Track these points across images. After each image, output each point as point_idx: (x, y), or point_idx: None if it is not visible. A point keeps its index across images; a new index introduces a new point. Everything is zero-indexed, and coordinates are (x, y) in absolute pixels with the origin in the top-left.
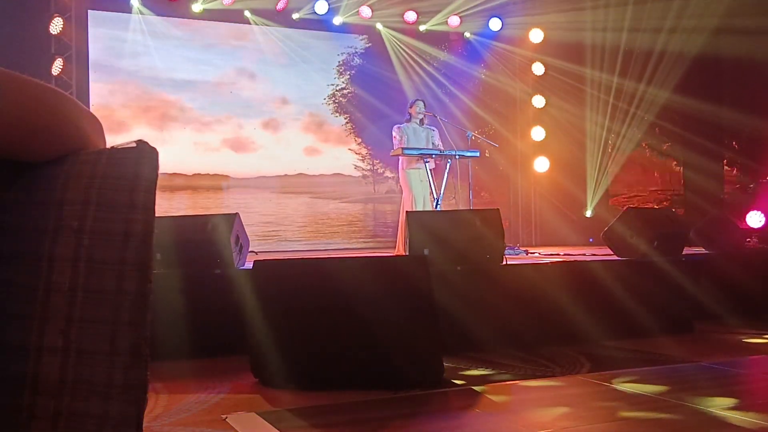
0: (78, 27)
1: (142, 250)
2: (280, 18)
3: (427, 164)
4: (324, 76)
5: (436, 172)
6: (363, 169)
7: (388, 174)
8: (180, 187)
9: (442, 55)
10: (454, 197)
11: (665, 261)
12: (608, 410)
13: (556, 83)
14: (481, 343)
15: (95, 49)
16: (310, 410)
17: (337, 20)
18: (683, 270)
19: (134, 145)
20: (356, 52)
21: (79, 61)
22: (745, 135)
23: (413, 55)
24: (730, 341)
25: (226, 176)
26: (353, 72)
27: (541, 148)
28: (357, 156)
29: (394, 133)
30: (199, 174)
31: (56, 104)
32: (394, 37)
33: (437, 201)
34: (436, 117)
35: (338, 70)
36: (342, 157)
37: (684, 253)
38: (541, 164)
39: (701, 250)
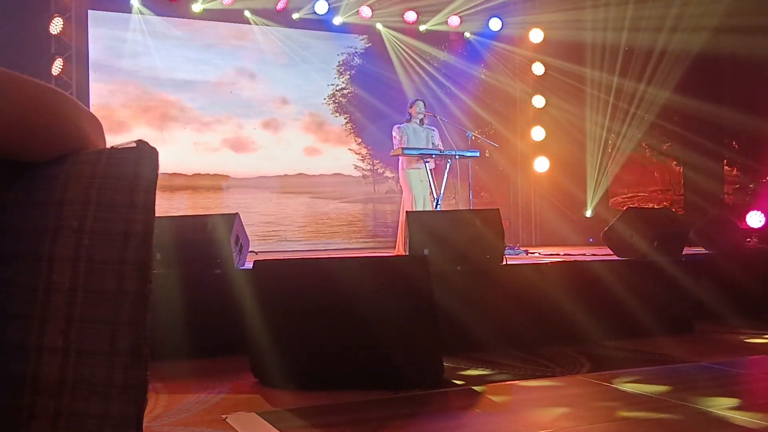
0: (78, 27)
1: (142, 250)
2: (280, 18)
3: (427, 164)
4: (324, 76)
5: (436, 172)
6: (363, 169)
7: (388, 174)
8: (180, 187)
9: (442, 55)
10: (454, 197)
11: (665, 261)
12: (608, 410)
13: (556, 83)
14: (481, 343)
15: (95, 49)
16: (310, 410)
17: (337, 20)
18: (683, 270)
19: (134, 145)
20: (356, 52)
21: (79, 61)
22: (745, 135)
23: (413, 55)
24: (730, 341)
25: (226, 176)
26: (353, 72)
27: (541, 148)
28: (357, 156)
29: (394, 133)
30: (199, 174)
31: (56, 104)
32: (394, 37)
33: (437, 201)
34: (436, 117)
35: (338, 70)
36: (342, 157)
37: (684, 253)
38: (541, 164)
39: (701, 250)
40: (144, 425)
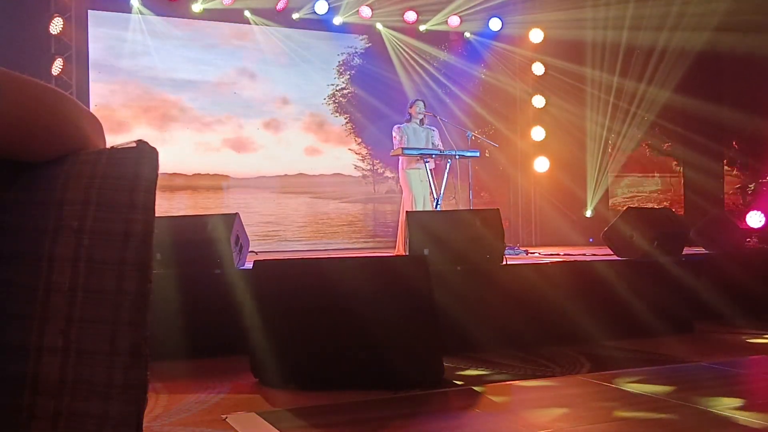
0: (78, 27)
1: (142, 250)
2: (280, 18)
3: (427, 164)
4: (324, 76)
5: (436, 172)
6: (363, 169)
7: (388, 174)
8: (180, 187)
9: (442, 55)
10: (454, 197)
11: (665, 261)
12: (608, 410)
13: (556, 83)
14: (481, 343)
15: (95, 49)
16: (310, 410)
17: (337, 20)
18: (683, 270)
19: (134, 145)
20: (356, 52)
21: (79, 61)
22: (745, 135)
23: (413, 55)
24: (731, 341)
25: (227, 176)
26: (353, 72)
27: (541, 148)
28: (357, 156)
29: (394, 133)
30: (199, 174)
31: (56, 104)
32: (394, 37)
33: (437, 201)
34: (436, 117)
35: (338, 70)
36: (342, 157)
37: (684, 253)
38: (541, 164)
39: (701, 250)
40: (144, 425)
